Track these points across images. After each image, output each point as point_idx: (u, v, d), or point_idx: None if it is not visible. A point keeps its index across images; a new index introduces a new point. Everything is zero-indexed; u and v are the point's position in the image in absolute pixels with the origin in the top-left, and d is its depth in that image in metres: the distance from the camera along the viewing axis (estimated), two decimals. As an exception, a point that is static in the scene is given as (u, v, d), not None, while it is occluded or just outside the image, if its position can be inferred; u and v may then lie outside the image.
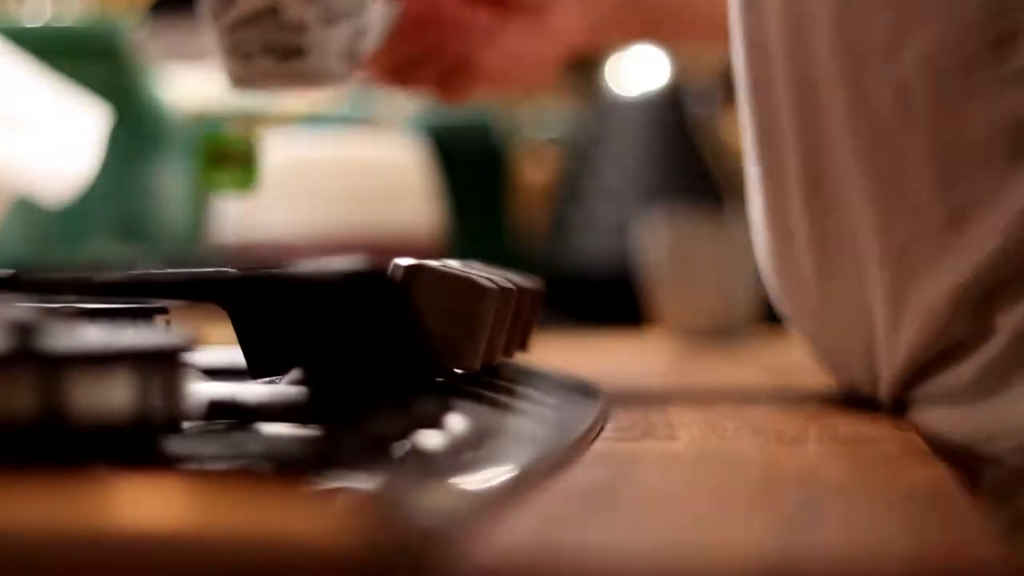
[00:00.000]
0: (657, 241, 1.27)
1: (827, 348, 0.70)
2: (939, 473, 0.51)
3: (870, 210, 0.62)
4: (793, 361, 0.84)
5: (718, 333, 1.20)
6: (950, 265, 0.61)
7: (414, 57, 0.81)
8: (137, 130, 1.55)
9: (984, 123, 0.59)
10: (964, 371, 0.61)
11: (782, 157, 0.66)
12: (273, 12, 0.72)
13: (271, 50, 0.72)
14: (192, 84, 1.67)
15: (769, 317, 0.91)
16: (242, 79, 0.74)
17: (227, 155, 0.76)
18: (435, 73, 0.82)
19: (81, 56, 1.52)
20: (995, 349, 0.60)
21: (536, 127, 1.83)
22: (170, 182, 1.60)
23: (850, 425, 0.62)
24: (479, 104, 1.75)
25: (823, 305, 0.67)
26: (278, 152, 1.47)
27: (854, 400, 0.68)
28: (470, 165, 1.72)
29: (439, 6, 0.81)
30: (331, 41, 0.72)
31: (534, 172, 1.79)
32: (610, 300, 1.53)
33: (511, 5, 0.81)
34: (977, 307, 0.61)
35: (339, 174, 1.44)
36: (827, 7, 0.62)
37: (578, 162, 1.72)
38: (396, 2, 0.76)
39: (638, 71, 1.68)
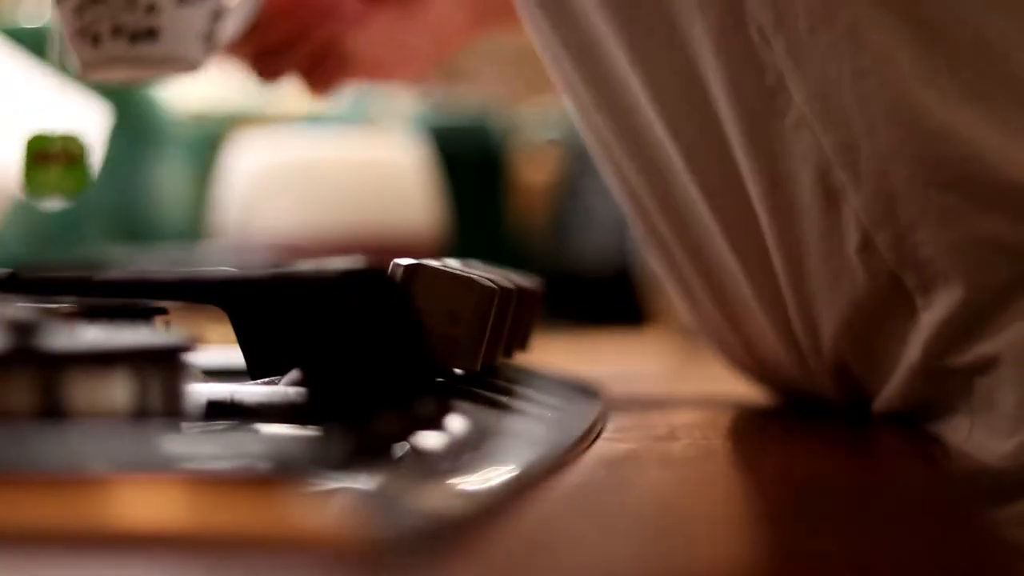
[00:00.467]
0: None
1: (761, 380, 0.69)
2: (941, 474, 0.51)
3: (730, 252, 0.61)
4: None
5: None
6: (825, 307, 0.59)
7: (279, 43, 0.77)
8: (137, 130, 1.55)
9: (792, 170, 0.57)
10: (882, 403, 0.60)
11: (652, 221, 0.64)
12: None
13: (120, 32, 0.67)
14: (191, 84, 1.67)
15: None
16: (90, 65, 0.68)
17: (50, 155, 0.70)
18: (302, 60, 0.78)
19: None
20: (896, 383, 0.58)
21: (536, 127, 1.83)
22: (169, 182, 1.60)
23: (850, 426, 0.62)
24: (479, 104, 1.75)
25: (741, 343, 0.66)
26: (278, 152, 1.47)
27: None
28: (470, 165, 1.72)
29: None
30: (186, 22, 0.67)
31: (534, 172, 1.79)
32: (610, 300, 1.53)
33: None
34: (871, 344, 0.59)
35: (339, 174, 1.44)
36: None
37: (578, 162, 1.72)
38: None
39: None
